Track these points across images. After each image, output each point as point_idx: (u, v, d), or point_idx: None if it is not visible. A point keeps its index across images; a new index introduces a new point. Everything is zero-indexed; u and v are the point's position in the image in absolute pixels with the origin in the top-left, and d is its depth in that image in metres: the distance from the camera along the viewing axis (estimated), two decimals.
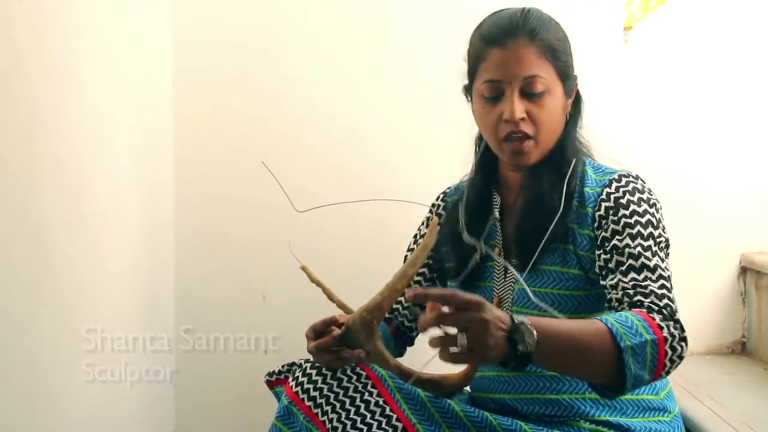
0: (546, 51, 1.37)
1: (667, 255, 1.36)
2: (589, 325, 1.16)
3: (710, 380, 2.16)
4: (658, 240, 1.33)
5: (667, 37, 2.42)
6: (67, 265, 1.55)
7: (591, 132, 2.30)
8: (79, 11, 1.61)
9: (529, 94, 1.36)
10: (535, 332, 1.08)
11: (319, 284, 1.43)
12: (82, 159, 1.62)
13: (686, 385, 2.10)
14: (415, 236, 1.66)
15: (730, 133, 2.43)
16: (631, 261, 1.29)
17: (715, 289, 2.46)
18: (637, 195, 1.35)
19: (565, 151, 1.42)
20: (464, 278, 1.48)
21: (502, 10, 1.44)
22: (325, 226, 2.28)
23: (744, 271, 2.44)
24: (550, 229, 1.34)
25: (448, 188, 1.65)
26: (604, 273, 1.33)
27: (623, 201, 1.35)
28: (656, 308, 1.22)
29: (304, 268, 1.43)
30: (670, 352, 1.18)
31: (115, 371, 1.86)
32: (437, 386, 1.31)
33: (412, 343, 1.67)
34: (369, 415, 1.31)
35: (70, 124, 1.56)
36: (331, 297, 1.43)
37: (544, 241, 1.35)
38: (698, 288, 2.45)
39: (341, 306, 1.42)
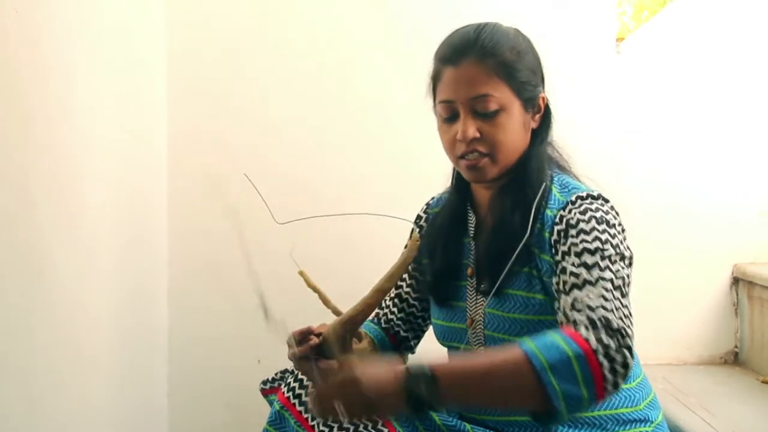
0: (498, 68, 1.34)
1: (622, 265, 1.26)
2: (502, 353, 1.13)
3: (703, 390, 2.16)
4: (605, 253, 1.24)
5: (658, 48, 2.44)
6: (61, 275, 1.54)
7: (587, 141, 2.35)
8: (74, 21, 1.62)
9: (481, 113, 1.34)
10: (431, 373, 1.09)
11: (315, 290, 1.43)
12: (75, 169, 1.62)
13: (679, 395, 2.10)
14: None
15: (722, 143, 2.45)
16: (572, 279, 1.23)
17: (708, 300, 2.47)
18: (589, 214, 1.29)
19: (528, 170, 1.39)
20: (440, 297, 1.49)
21: (461, 28, 1.42)
22: (318, 233, 2.28)
23: (736, 281, 2.45)
24: (513, 257, 1.30)
25: (432, 198, 1.64)
26: (556, 298, 1.28)
27: (573, 222, 1.29)
28: (588, 321, 1.15)
29: (302, 273, 1.43)
30: (606, 363, 1.09)
31: (109, 381, 1.86)
32: None
33: (412, 351, 1.67)
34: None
35: (63, 134, 1.56)
36: (326, 303, 1.44)
37: (508, 267, 1.31)
38: (691, 299, 2.46)
39: (336, 312, 1.42)
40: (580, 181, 1.42)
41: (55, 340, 1.51)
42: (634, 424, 1.38)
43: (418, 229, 1.61)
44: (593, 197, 1.33)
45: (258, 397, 1.60)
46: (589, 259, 1.24)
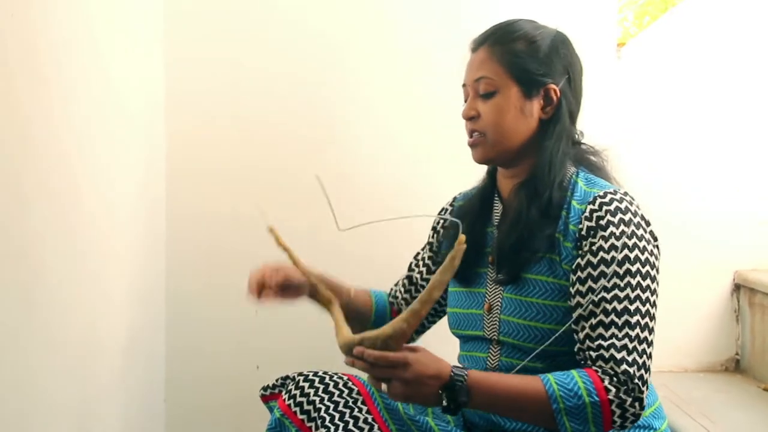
0: (502, 54, 1.45)
1: (650, 286, 1.33)
2: (529, 386, 1.28)
3: (703, 398, 2.16)
4: (634, 279, 1.31)
5: (659, 54, 2.44)
6: (58, 278, 1.53)
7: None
8: (71, 27, 1.61)
9: (481, 95, 1.46)
10: (464, 387, 1.25)
11: (285, 248, 1.45)
12: (73, 173, 1.62)
13: (679, 403, 2.09)
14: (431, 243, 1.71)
15: (723, 150, 2.44)
16: (602, 316, 1.31)
17: (709, 307, 2.46)
18: (619, 216, 1.34)
19: (540, 162, 1.44)
20: (461, 278, 1.54)
21: None
22: (317, 237, 2.27)
23: (737, 288, 2.44)
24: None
25: (459, 194, 1.70)
26: (575, 316, 1.34)
27: (603, 222, 1.34)
28: (611, 373, 1.27)
29: (272, 230, 1.44)
30: (618, 412, 1.26)
31: (106, 385, 1.85)
32: None
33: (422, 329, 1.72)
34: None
35: (60, 138, 1.55)
36: (297, 263, 1.46)
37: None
38: (692, 305, 2.45)
39: (305, 273, 1.46)
40: (609, 181, 1.47)
41: (50, 344, 1.50)
42: (637, 430, 1.39)
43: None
44: (621, 194, 1.39)
45: (256, 403, 1.59)
46: (620, 293, 1.31)
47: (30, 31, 1.39)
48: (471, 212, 1.56)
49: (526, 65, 1.44)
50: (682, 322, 2.45)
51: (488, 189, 1.57)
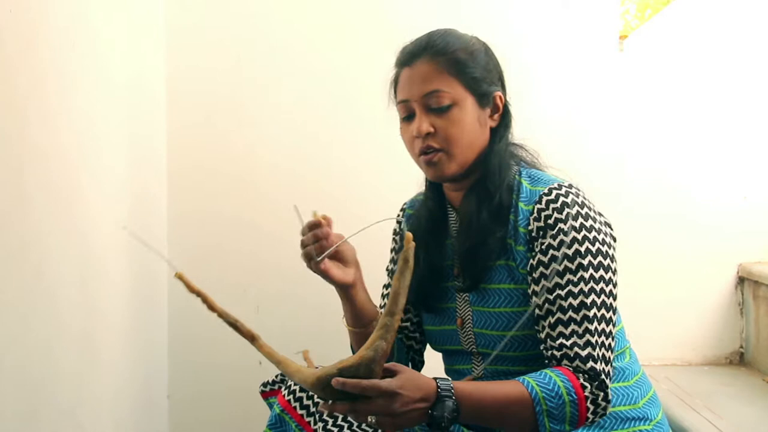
0: (449, 64, 1.38)
1: (604, 276, 1.31)
2: (513, 391, 1.25)
3: (708, 391, 2.15)
4: (587, 272, 1.30)
5: (662, 46, 2.42)
6: (59, 276, 1.53)
7: (590, 139, 2.34)
8: (70, 21, 1.61)
9: (434, 109, 1.38)
10: (453, 403, 1.19)
11: (199, 293, 1.31)
12: (73, 169, 1.61)
13: (684, 396, 2.09)
14: (392, 250, 1.67)
15: (727, 143, 2.43)
16: (559, 314, 1.30)
17: (713, 300, 2.45)
18: (566, 211, 1.32)
19: (490, 165, 1.41)
20: (426, 301, 1.51)
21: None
22: None
23: (742, 281, 2.43)
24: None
25: (405, 203, 1.66)
26: (535, 316, 1.33)
27: (551, 221, 1.33)
28: (581, 371, 1.27)
29: (180, 276, 1.29)
30: (591, 407, 1.26)
31: (109, 383, 1.85)
32: None
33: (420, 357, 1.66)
34: (358, 424, 1.32)
35: (60, 135, 1.54)
36: (212, 306, 1.32)
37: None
38: (696, 298, 2.44)
39: (223, 315, 1.32)
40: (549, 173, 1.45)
41: (53, 342, 1.50)
42: (633, 423, 1.39)
43: (398, 233, 1.62)
44: (566, 187, 1.36)
45: (259, 399, 1.59)
46: (573, 288, 1.29)
47: (28, 26, 1.39)
48: (422, 230, 1.51)
49: (476, 74, 1.40)
50: (686, 316, 2.44)
51: (437, 202, 1.52)
